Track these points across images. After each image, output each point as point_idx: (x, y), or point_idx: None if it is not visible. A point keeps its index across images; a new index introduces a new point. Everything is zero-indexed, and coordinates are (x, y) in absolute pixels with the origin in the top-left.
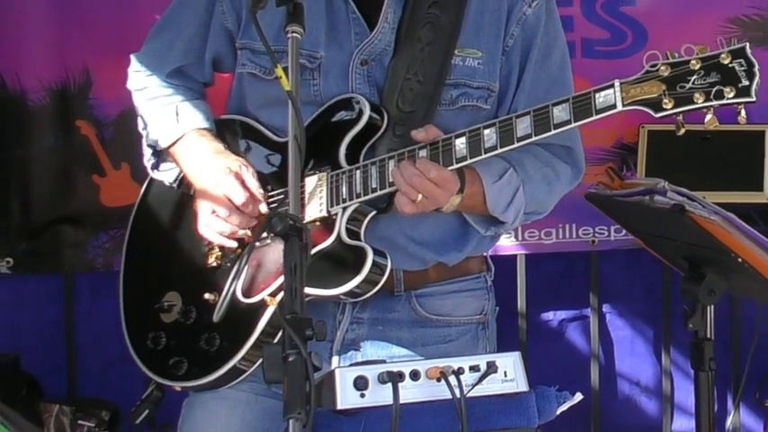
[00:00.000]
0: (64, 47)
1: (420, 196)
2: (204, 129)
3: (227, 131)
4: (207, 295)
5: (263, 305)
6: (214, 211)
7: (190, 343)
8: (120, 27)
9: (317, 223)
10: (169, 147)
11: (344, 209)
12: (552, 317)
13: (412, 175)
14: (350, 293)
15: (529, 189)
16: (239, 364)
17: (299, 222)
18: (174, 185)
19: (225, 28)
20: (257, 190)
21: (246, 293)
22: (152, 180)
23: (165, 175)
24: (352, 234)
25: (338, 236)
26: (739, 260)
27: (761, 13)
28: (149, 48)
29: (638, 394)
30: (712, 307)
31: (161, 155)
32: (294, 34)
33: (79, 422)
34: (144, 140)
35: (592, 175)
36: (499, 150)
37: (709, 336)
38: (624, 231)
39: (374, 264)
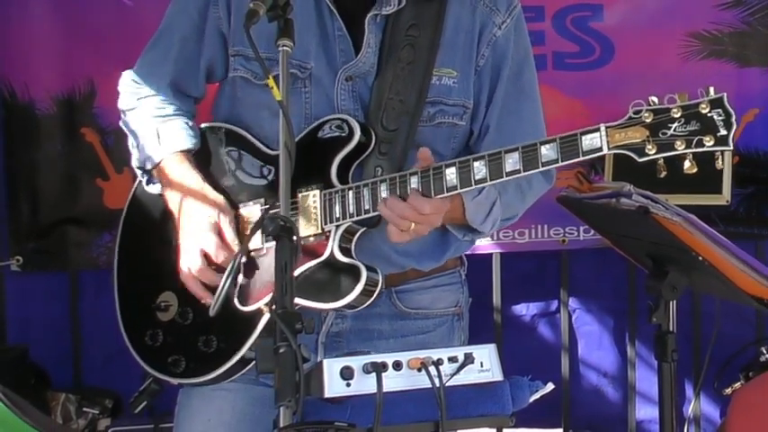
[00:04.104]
0: (70, 59)
1: (413, 225)
2: (184, 151)
3: (218, 141)
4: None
5: (258, 313)
6: (189, 268)
7: (188, 343)
8: (123, 41)
9: (312, 239)
10: (153, 168)
11: (337, 227)
12: (525, 311)
13: (404, 209)
14: (345, 306)
15: (504, 199)
16: (235, 365)
17: (290, 223)
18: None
19: (220, 32)
20: (234, 242)
21: (243, 302)
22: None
23: (158, 188)
24: (344, 250)
25: (332, 252)
26: (700, 258)
27: (719, 28)
28: (145, 60)
29: (605, 384)
30: (675, 302)
31: (150, 175)
32: (285, 48)
33: (84, 409)
34: (132, 161)
35: (562, 180)
36: (489, 183)
37: (671, 329)
38: (592, 231)
39: (367, 279)
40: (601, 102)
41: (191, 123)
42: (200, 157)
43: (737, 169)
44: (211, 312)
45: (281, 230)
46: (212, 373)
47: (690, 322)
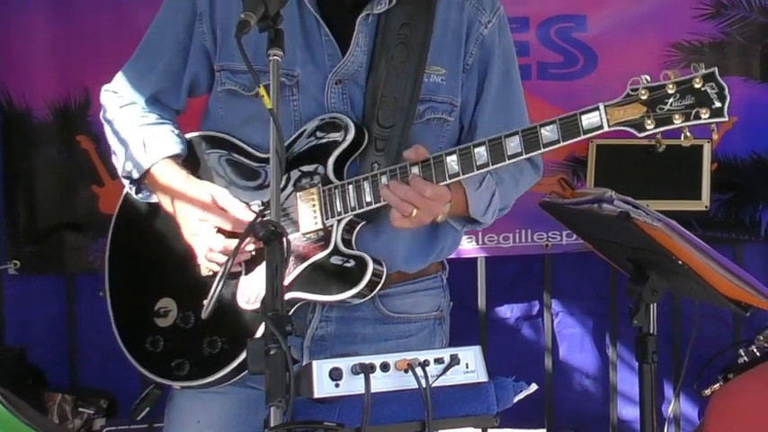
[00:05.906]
0: (66, 69)
1: (415, 211)
2: (172, 156)
3: (206, 148)
4: (205, 301)
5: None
6: (210, 249)
7: (192, 346)
8: (117, 50)
9: (313, 235)
10: (142, 177)
11: (339, 221)
12: (509, 314)
13: (407, 191)
14: (352, 297)
15: (502, 189)
16: (240, 365)
17: (280, 228)
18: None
19: (204, 48)
20: (236, 209)
21: (248, 300)
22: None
23: (148, 197)
24: (347, 244)
25: (335, 246)
26: (679, 262)
27: (699, 39)
28: (127, 74)
29: (588, 385)
30: (655, 305)
31: (139, 183)
32: (275, 57)
33: (79, 410)
34: (119, 171)
35: (546, 186)
36: (491, 167)
37: (652, 331)
38: (575, 236)
39: (374, 269)
40: None
41: (176, 131)
42: (190, 165)
43: (716, 175)
44: (204, 315)
45: (271, 235)
46: (219, 374)
47: (670, 324)
